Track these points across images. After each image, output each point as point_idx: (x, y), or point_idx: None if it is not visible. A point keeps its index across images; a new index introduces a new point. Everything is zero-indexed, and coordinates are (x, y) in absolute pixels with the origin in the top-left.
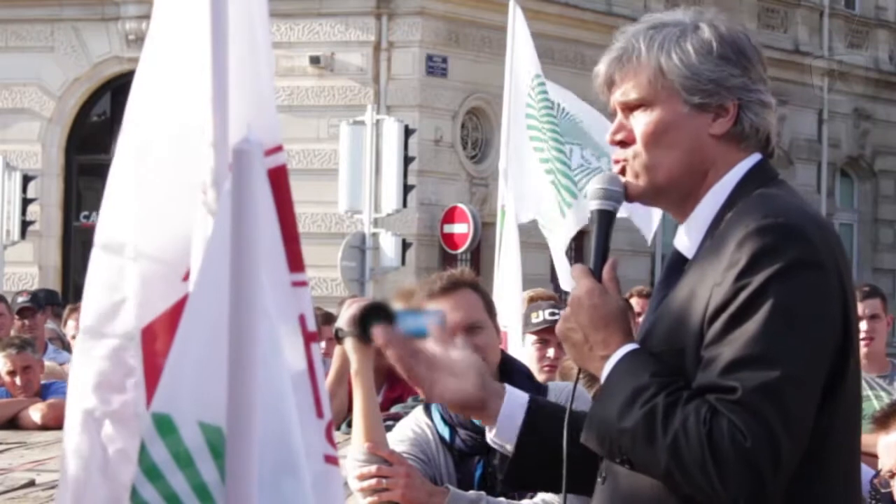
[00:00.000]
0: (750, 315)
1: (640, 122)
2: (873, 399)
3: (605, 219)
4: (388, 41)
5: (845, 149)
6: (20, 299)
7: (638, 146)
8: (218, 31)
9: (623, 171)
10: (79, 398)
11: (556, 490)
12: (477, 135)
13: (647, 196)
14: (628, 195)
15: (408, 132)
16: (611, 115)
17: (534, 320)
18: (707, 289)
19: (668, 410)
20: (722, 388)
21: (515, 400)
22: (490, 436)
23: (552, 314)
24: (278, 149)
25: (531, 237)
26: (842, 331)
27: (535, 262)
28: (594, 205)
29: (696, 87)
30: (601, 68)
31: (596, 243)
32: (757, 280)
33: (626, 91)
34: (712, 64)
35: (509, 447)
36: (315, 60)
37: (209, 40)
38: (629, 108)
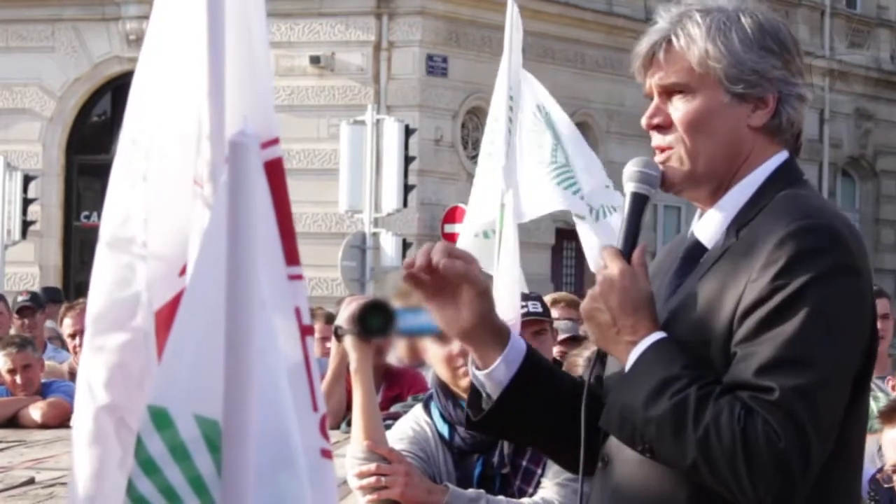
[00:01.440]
0: (788, 316)
1: (680, 109)
2: (870, 400)
3: (640, 202)
4: (388, 41)
5: (846, 149)
6: (20, 298)
7: (680, 133)
8: (214, 23)
9: (664, 158)
10: (91, 395)
11: (518, 443)
12: (477, 134)
13: (686, 184)
14: (666, 183)
15: (408, 132)
16: (646, 97)
17: None
18: (740, 284)
19: (699, 404)
20: (758, 388)
21: (515, 350)
22: (475, 372)
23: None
24: (275, 142)
25: (531, 237)
26: (872, 338)
27: (535, 262)
28: (630, 187)
29: (738, 76)
30: (642, 49)
31: (627, 226)
32: (796, 282)
33: (667, 74)
34: (755, 54)
35: (491, 390)
36: (315, 60)
37: (206, 33)
38: (668, 92)
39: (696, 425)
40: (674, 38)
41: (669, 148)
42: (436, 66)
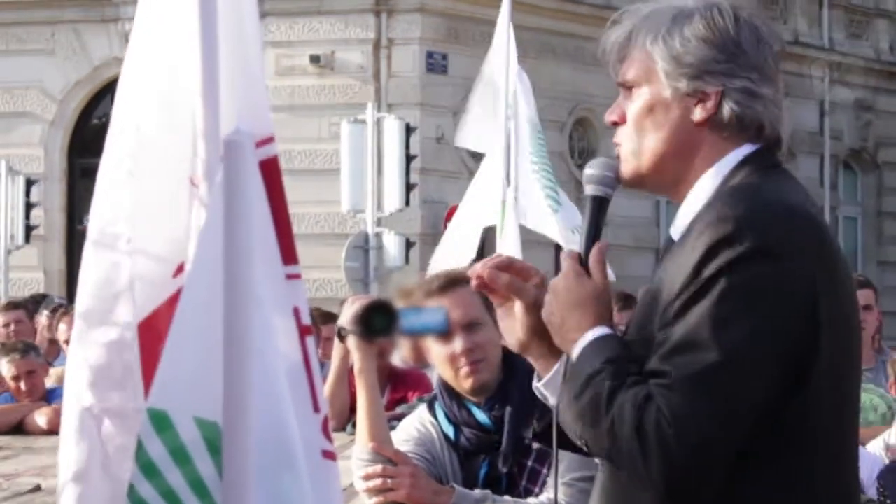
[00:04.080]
0: (695, 304)
1: (630, 106)
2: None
3: (598, 204)
4: (387, 38)
5: (848, 141)
6: (57, 299)
7: (627, 128)
8: (207, 22)
9: (617, 153)
10: (76, 396)
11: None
12: None
13: (635, 181)
14: (619, 179)
15: (409, 130)
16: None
17: None
18: (672, 277)
19: (610, 395)
20: (658, 373)
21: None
22: (535, 384)
23: None
24: (269, 140)
25: (533, 234)
26: (805, 325)
27: (537, 260)
28: (588, 189)
29: (675, 70)
30: (604, 48)
31: (588, 228)
32: (710, 269)
33: (624, 72)
34: (692, 47)
35: (551, 400)
36: (315, 59)
37: (198, 32)
38: (627, 88)
39: (606, 416)
40: (624, 38)
41: (619, 144)
42: (436, 64)
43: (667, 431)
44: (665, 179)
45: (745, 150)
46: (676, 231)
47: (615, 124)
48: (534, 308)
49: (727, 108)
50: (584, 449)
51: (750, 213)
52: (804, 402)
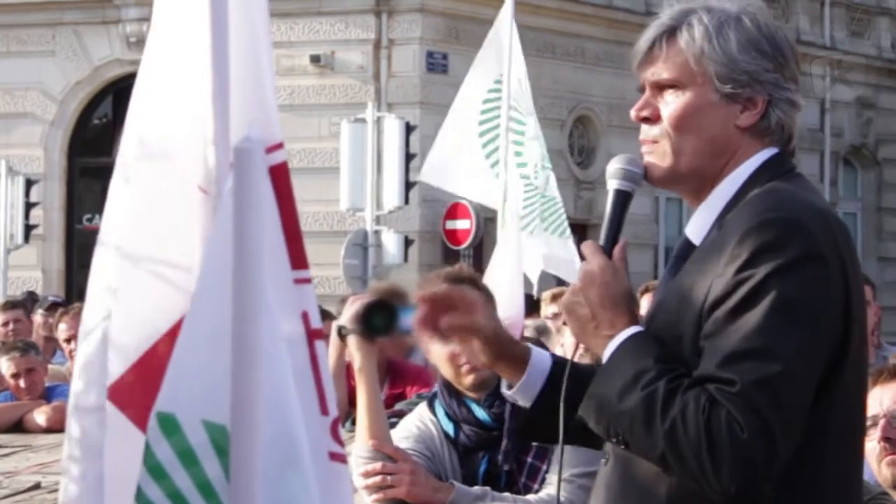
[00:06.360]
0: (750, 308)
1: (670, 104)
2: None
3: (622, 199)
4: (388, 38)
5: (848, 138)
6: (50, 297)
7: (666, 127)
8: (218, 29)
9: (649, 151)
10: (75, 395)
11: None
12: None
13: (668, 179)
14: (649, 177)
15: (409, 129)
16: (639, 91)
17: None
18: (708, 279)
19: (668, 396)
20: (721, 380)
21: (539, 367)
22: (505, 391)
23: None
24: (279, 146)
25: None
26: (842, 325)
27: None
28: (613, 184)
29: (729, 76)
30: (641, 45)
31: (610, 222)
32: (758, 274)
33: (659, 70)
34: (749, 56)
35: (525, 404)
36: (315, 59)
37: (210, 39)
38: (659, 87)
39: (664, 417)
40: (669, 36)
41: (655, 142)
42: (436, 63)
43: (741, 437)
44: (698, 179)
45: (766, 154)
46: (695, 232)
47: (644, 120)
48: (492, 339)
49: (774, 117)
50: (621, 447)
51: (792, 217)
52: (829, 405)
